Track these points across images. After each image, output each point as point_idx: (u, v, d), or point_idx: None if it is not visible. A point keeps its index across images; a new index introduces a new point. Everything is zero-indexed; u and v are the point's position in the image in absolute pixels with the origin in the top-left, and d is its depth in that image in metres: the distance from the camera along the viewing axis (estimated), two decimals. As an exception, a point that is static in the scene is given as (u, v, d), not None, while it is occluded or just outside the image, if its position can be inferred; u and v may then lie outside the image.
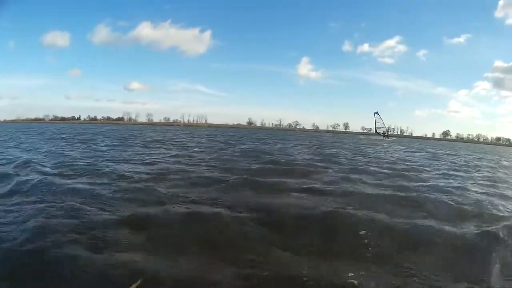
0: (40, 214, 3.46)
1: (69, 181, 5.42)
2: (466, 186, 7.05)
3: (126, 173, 6.24)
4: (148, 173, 6.43)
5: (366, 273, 2.56)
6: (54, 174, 6.00)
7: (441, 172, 9.65)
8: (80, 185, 5.02)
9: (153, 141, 17.46)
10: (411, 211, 4.43)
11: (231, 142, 19.95)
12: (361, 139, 43.81)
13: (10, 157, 8.39)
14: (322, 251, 2.97)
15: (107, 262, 2.47)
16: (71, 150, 11.00)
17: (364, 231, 3.36)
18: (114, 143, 15.03)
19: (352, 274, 2.51)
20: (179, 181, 5.85)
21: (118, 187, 5.06)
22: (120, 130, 37.09)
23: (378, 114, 43.39)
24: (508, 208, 4.96)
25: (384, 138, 41.52)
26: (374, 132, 46.13)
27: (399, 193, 5.43)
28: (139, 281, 2.22)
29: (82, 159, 8.35)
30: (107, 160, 8.47)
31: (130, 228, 3.26)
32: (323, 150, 16.64)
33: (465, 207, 4.74)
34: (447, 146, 41.27)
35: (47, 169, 6.52)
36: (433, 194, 5.51)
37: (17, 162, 7.21)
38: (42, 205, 3.86)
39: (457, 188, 6.56)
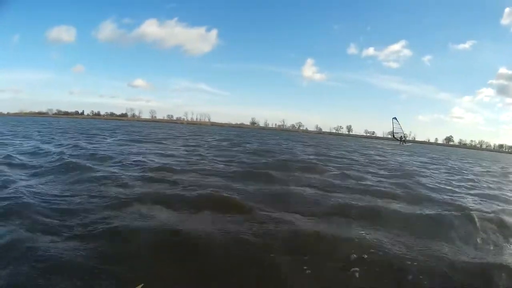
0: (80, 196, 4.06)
1: (99, 168, 5.99)
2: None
3: (141, 166, 6.75)
4: (159, 167, 6.81)
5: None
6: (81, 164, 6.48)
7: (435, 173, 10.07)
8: (107, 173, 5.55)
9: (162, 138, 17.81)
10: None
11: (236, 141, 20.26)
12: (364, 143, 43.97)
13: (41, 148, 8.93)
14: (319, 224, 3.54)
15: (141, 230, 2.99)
16: (89, 144, 11.42)
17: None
18: (124, 139, 15.41)
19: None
20: (192, 173, 6.33)
21: (138, 176, 5.56)
22: (126, 126, 37.52)
23: (397, 119, 43.84)
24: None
25: (401, 143, 41.82)
26: (392, 137, 46.58)
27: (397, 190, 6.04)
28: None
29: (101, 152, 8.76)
30: (119, 153, 8.87)
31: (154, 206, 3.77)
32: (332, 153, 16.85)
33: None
34: (453, 152, 41.26)
35: (78, 159, 6.99)
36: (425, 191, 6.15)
37: (53, 154, 7.78)
38: (81, 186, 4.56)
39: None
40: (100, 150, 9.43)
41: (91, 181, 4.92)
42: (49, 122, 39.03)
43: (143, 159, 7.68)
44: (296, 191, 5.29)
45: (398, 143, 42.63)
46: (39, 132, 17.31)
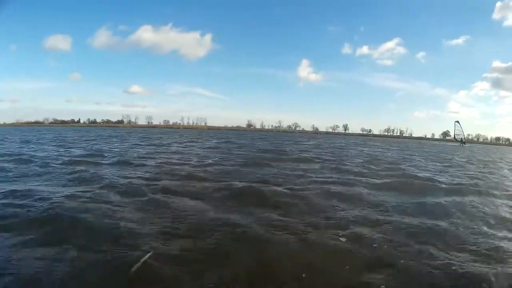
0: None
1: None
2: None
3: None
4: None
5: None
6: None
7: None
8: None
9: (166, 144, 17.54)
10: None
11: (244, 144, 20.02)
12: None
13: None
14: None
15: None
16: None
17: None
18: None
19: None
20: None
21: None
22: (123, 133, 37.13)
23: (459, 123, 47.95)
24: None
25: (462, 145, 45.04)
26: (453, 138, 51.40)
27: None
28: (149, 254, 2.30)
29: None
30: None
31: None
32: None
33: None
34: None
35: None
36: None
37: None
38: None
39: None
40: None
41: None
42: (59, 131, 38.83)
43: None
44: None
45: (458, 144, 46.02)
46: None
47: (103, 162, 8.21)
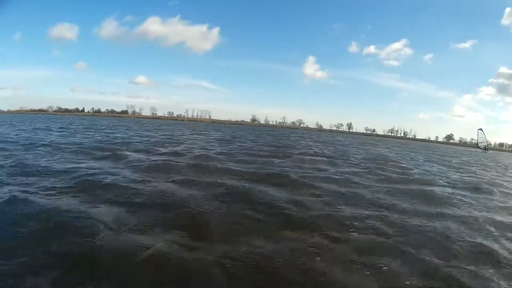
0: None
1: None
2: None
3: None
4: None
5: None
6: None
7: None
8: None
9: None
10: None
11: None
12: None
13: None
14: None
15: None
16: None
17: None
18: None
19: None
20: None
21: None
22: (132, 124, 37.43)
23: (482, 130, 49.87)
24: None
25: (485, 151, 46.59)
26: (476, 146, 52.98)
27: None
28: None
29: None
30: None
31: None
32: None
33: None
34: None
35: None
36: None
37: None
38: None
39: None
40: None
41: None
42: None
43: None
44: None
45: (481, 151, 47.26)
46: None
47: (123, 148, 8.55)
